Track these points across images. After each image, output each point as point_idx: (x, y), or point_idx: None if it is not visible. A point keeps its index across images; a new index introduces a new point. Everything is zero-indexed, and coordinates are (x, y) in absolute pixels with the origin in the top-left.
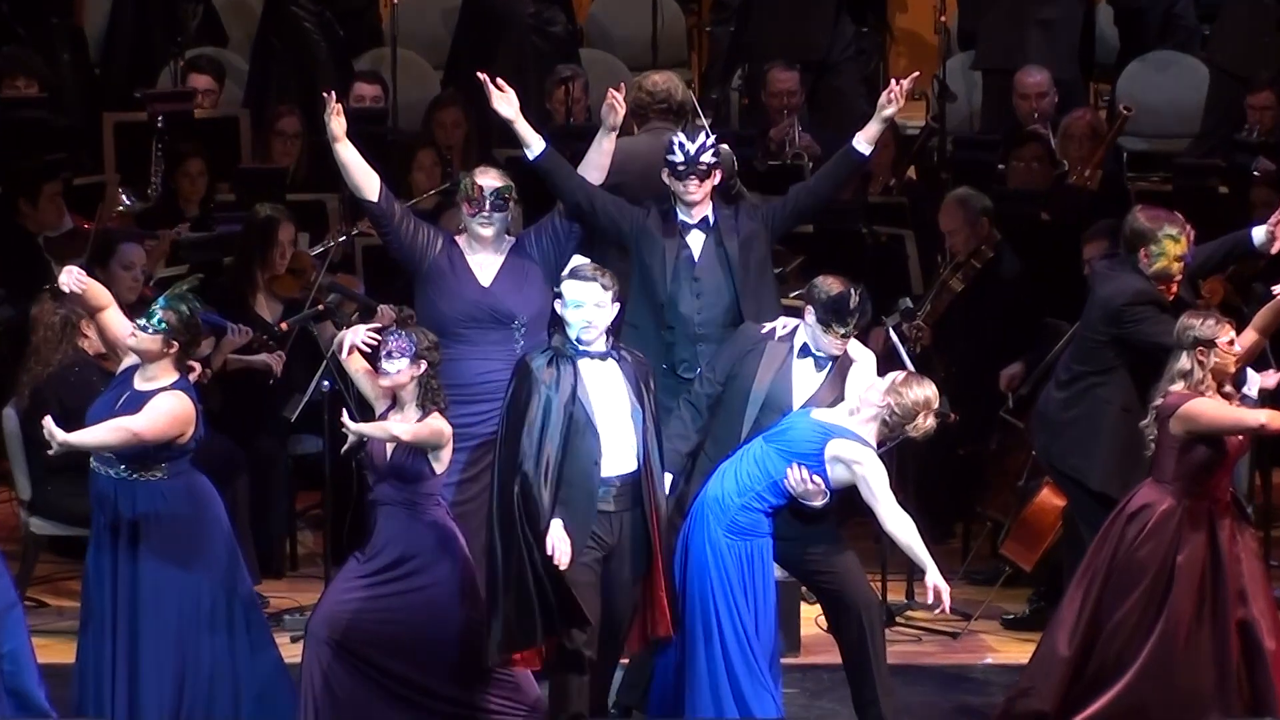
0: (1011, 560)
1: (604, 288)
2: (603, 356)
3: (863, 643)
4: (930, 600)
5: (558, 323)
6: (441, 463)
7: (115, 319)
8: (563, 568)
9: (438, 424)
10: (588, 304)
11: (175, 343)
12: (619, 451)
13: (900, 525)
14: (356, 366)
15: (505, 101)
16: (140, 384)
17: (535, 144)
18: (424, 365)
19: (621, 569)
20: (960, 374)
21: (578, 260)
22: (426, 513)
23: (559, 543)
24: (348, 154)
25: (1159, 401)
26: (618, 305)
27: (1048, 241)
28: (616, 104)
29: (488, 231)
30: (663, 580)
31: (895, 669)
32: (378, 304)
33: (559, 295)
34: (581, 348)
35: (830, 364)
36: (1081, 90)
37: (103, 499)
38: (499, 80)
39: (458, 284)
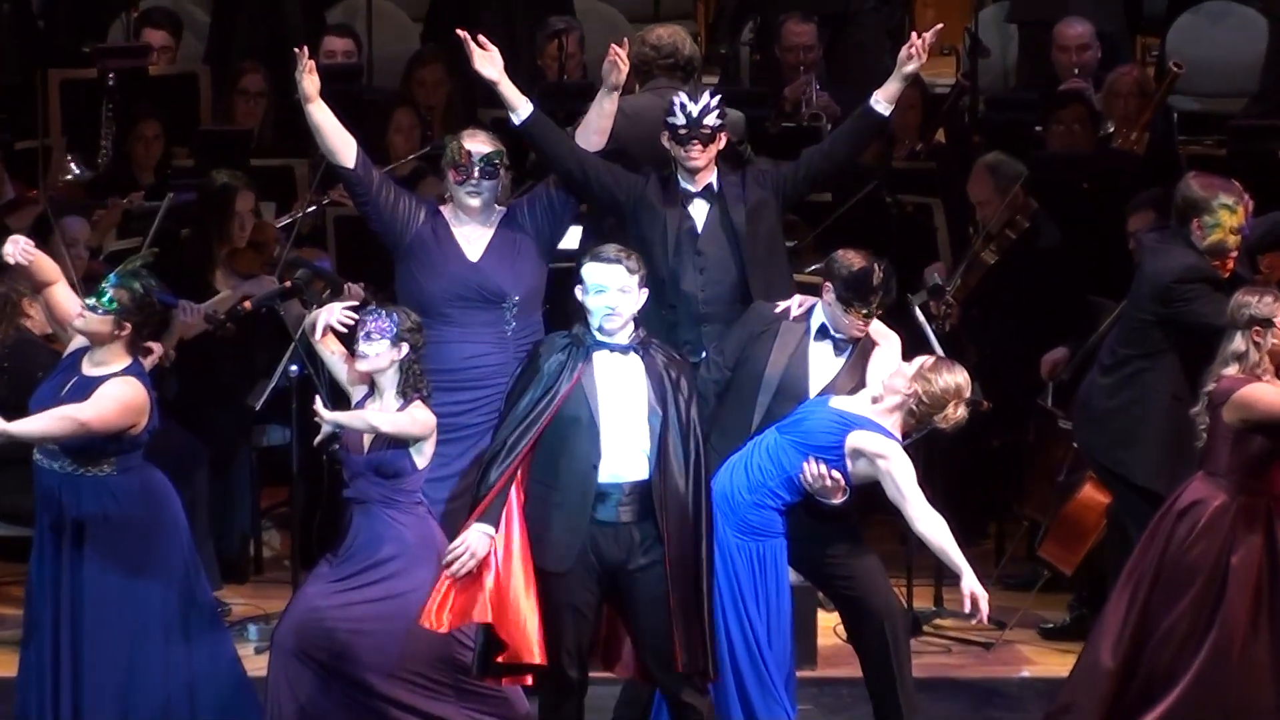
0: (1050, 563)
1: (629, 271)
2: (625, 350)
3: (885, 655)
4: (967, 608)
5: (581, 311)
6: (424, 457)
7: (64, 295)
8: (454, 576)
9: (420, 414)
10: (611, 289)
11: (127, 324)
12: (628, 456)
13: (932, 526)
14: (332, 349)
15: (488, 61)
16: (89, 369)
17: (522, 107)
18: (405, 348)
19: (646, 585)
20: (993, 357)
21: (574, 232)
22: (406, 512)
23: (465, 548)
24: (321, 116)
25: (1211, 387)
26: (645, 291)
27: (1090, 211)
28: (620, 60)
29: (476, 201)
30: (674, 612)
31: (922, 683)
32: (344, 282)
33: (580, 281)
34: (601, 339)
35: (851, 347)
36: (1128, 45)
37: (47, 497)
38: (480, 37)
39: (443, 259)
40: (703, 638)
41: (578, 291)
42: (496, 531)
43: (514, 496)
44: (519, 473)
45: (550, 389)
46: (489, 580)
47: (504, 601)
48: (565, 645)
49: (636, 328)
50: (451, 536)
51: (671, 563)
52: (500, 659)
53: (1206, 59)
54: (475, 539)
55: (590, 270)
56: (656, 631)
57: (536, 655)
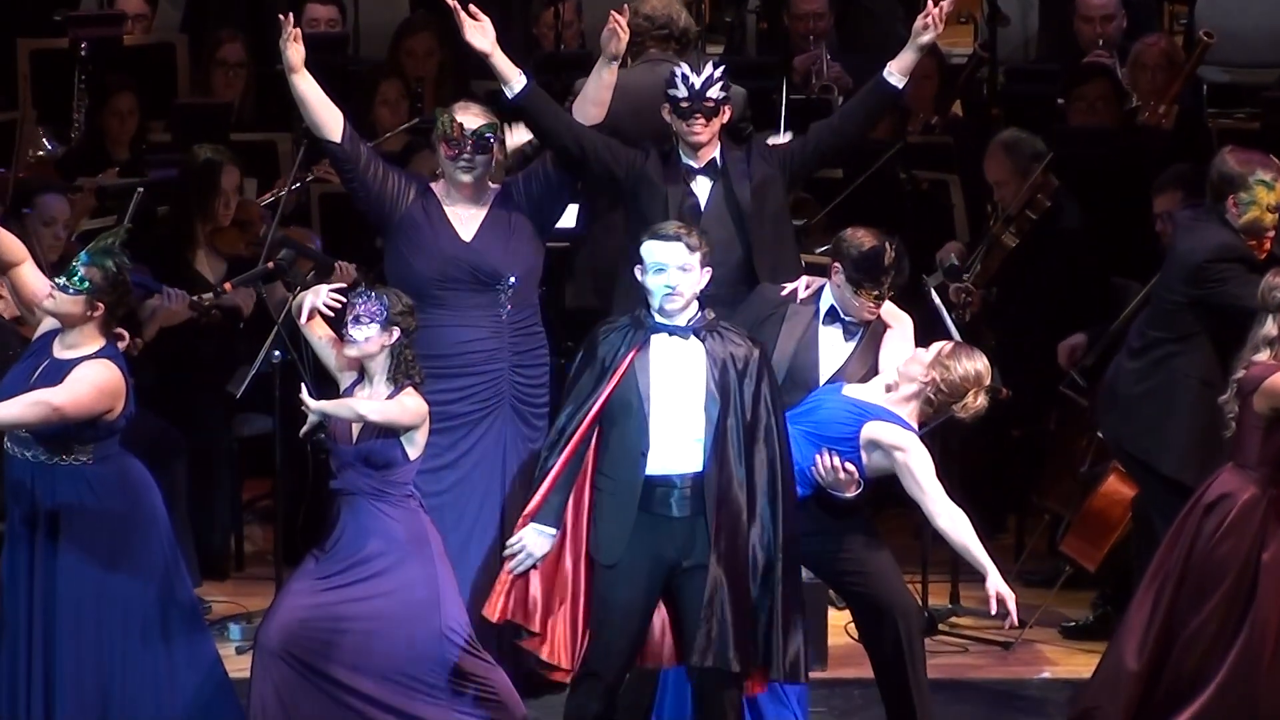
0: (1073, 559)
1: (690, 248)
2: (684, 333)
3: (899, 655)
4: (994, 610)
5: (641, 292)
6: (416, 447)
7: (31, 276)
8: (512, 573)
9: (412, 402)
10: (671, 267)
11: (100, 304)
12: (682, 447)
13: (954, 522)
14: (319, 333)
15: (479, 31)
16: (60, 352)
17: (515, 80)
18: (396, 332)
19: (695, 585)
20: (1013, 343)
21: (572, 210)
22: (397, 505)
23: (521, 547)
24: (307, 87)
25: (1241, 374)
26: (708, 270)
27: (1115, 189)
28: (619, 29)
29: (468, 178)
30: (713, 607)
31: (938, 684)
32: (335, 261)
33: (639, 260)
34: (660, 320)
35: (861, 331)
36: (1154, 13)
37: (18, 487)
38: (471, 6)
39: (434, 238)
40: (752, 638)
41: (637, 271)
42: (558, 527)
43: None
44: (588, 463)
45: (604, 374)
46: (537, 579)
47: (552, 598)
48: (603, 641)
49: (702, 309)
50: (443, 530)
51: (720, 560)
52: (539, 651)
53: (1237, 28)
54: (531, 538)
55: (649, 248)
56: (695, 627)
57: (568, 659)
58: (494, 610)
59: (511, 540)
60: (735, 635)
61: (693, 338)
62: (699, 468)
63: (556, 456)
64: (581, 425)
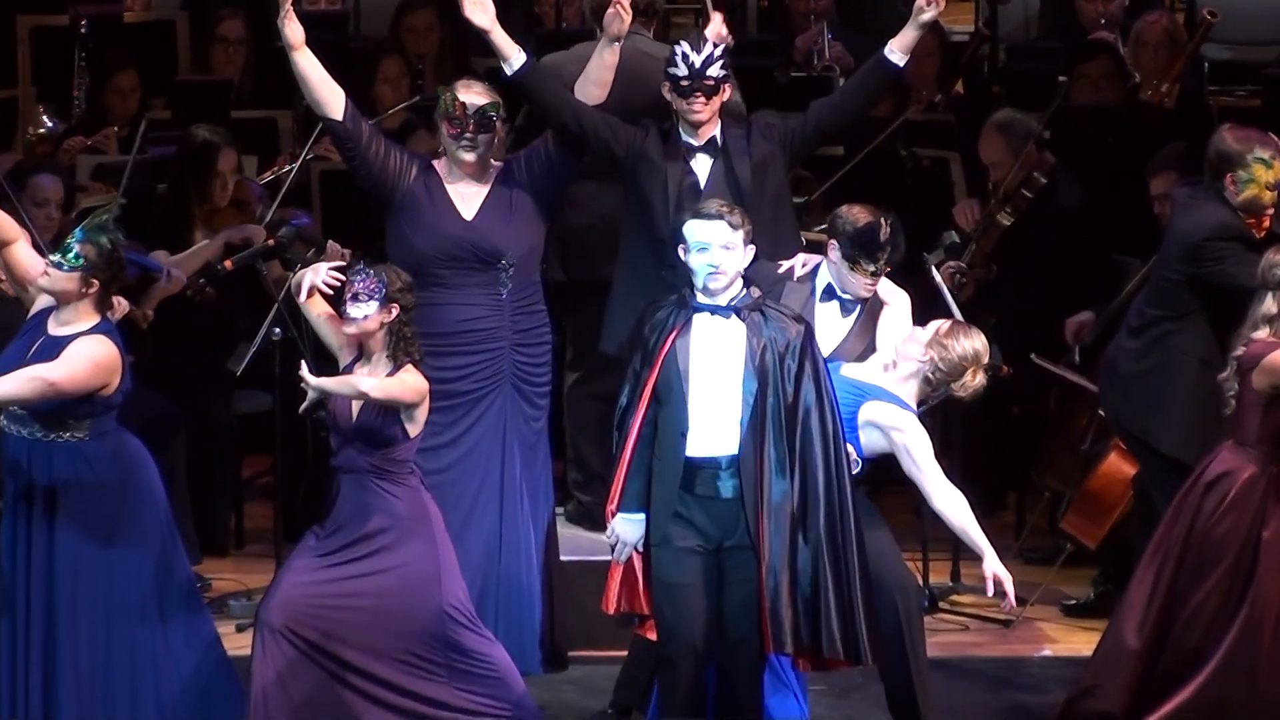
0: (1073, 536)
1: (732, 226)
2: (726, 312)
3: (898, 634)
4: (990, 592)
5: (685, 271)
6: (416, 424)
7: (25, 254)
8: (618, 562)
9: (412, 379)
10: (714, 246)
11: (95, 280)
12: (724, 428)
13: (951, 502)
14: (318, 311)
15: (479, 7)
16: (55, 329)
17: (515, 57)
18: (396, 310)
19: (736, 566)
20: (1013, 321)
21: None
22: (398, 483)
23: (615, 538)
24: (308, 65)
25: (1240, 351)
26: (752, 249)
27: (1116, 167)
28: (622, 8)
29: (470, 156)
30: (765, 597)
31: (938, 663)
32: (331, 241)
33: (682, 239)
34: (703, 300)
35: (858, 308)
36: None
37: (15, 465)
38: None
39: (435, 217)
40: (794, 621)
41: (680, 251)
42: (644, 511)
43: None
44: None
45: (649, 356)
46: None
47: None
48: (665, 625)
49: (746, 287)
50: (443, 508)
51: (765, 543)
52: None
53: (1239, 5)
54: (621, 527)
55: (692, 228)
56: (731, 611)
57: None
58: (610, 604)
59: (606, 534)
60: (789, 617)
61: (734, 317)
62: (731, 450)
63: (623, 443)
64: (640, 409)
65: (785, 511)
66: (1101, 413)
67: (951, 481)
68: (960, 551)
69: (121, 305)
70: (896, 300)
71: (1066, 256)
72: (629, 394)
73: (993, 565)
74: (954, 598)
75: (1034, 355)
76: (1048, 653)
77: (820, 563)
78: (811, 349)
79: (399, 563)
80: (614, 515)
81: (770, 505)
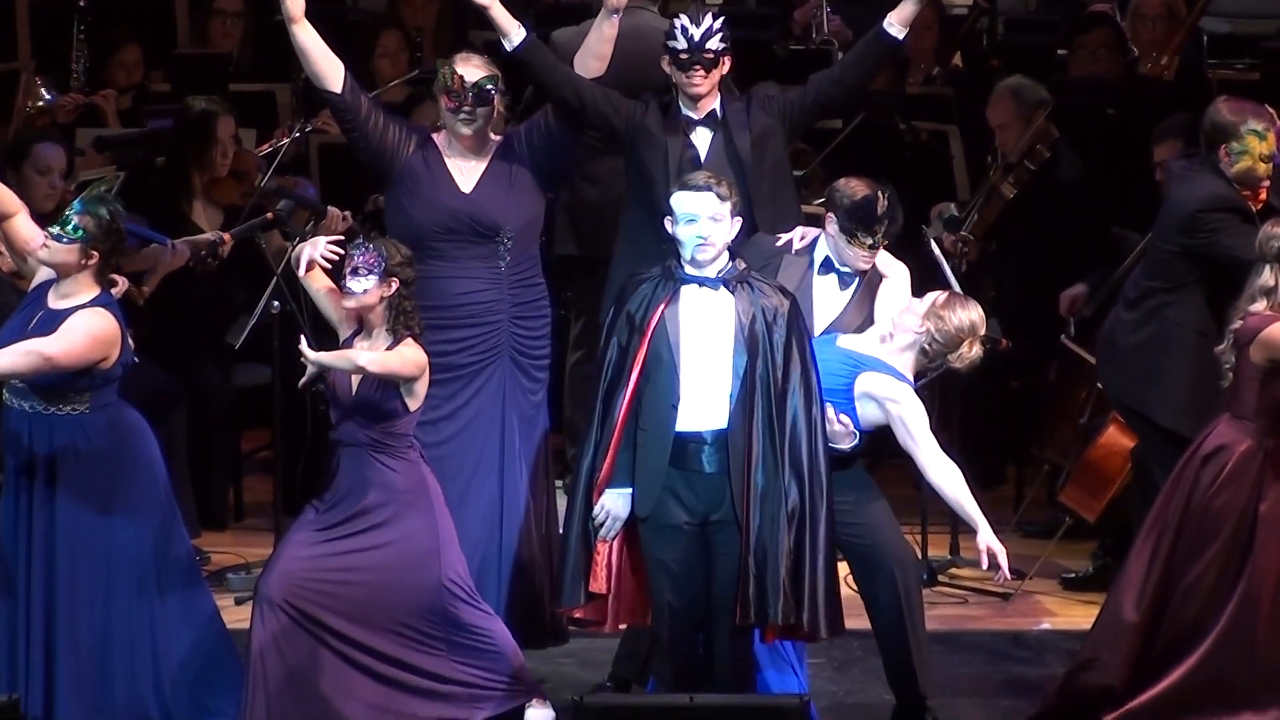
0: (1072, 510)
1: (720, 198)
2: (715, 284)
3: (896, 607)
4: (984, 565)
5: (672, 243)
6: (415, 398)
7: (24, 226)
8: (605, 540)
9: (411, 352)
10: (702, 218)
11: (95, 252)
12: (711, 402)
13: (945, 475)
14: (318, 285)
15: None
16: (55, 302)
17: (514, 33)
18: (395, 284)
19: (723, 540)
20: (1012, 294)
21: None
22: (397, 457)
23: (605, 513)
24: (307, 38)
25: (1237, 324)
26: (739, 220)
27: (1115, 140)
28: None
29: (469, 130)
30: (749, 571)
31: (937, 636)
32: (329, 207)
33: (669, 211)
34: (691, 271)
35: (856, 280)
36: None
37: (15, 439)
38: None
39: (435, 189)
40: (776, 594)
41: (667, 223)
42: (633, 485)
43: None
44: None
45: (637, 328)
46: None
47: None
48: (657, 602)
49: (732, 260)
50: (442, 481)
51: (751, 517)
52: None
53: None
54: (611, 502)
55: (680, 199)
56: (719, 584)
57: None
58: (600, 584)
59: (595, 511)
60: (772, 591)
61: (723, 289)
62: (720, 424)
63: (614, 419)
64: (631, 382)
65: (771, 487)
66: (1100, 385)
67: (950, 455)
68: (959, 525)
69: (120, 284)
70: (896, 273)
71: (1066, 230)
72: (615, 367)
73: (987, 538)
74: (953, 571)
75: (1064, 337)
76: (1046, 626)
77: (804, 537)
78: (798, 323)
79: (398, 537)
80: (602, 491)
81: (756, 481)
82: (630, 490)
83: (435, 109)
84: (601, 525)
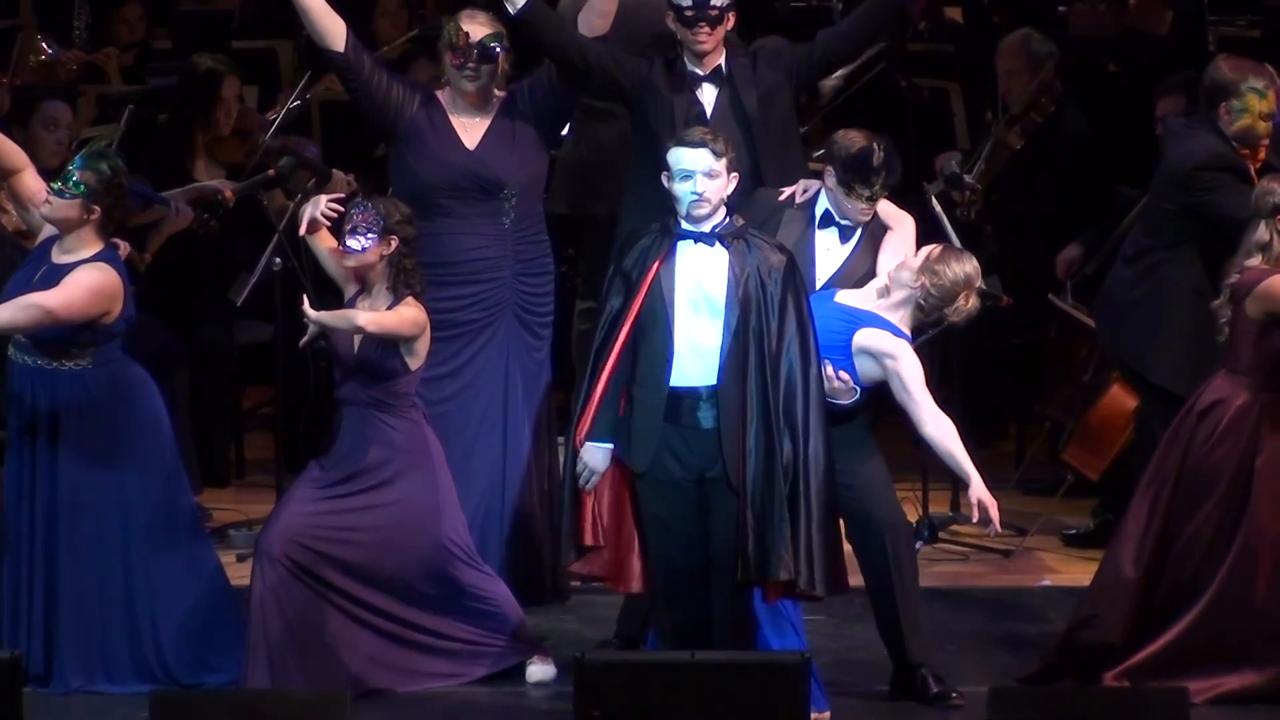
0: (1074, 467)
1: (716, 154)
2: (710, 240)
3: (884, 569)
4: (975, 518)
5: (668, 199)
6: (416, 357)
7: (30, 181)
8: (587, 492)
9: (410, 312)
10: (698, 173)
11: (96, 208)
12: (704, 357)
13: (940, 429)
14: (321, 244)
15: None
16: (58, 257)
17: None
18: (395, 242)
19: (719, 495)
20: (1015, 251)
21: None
22: (399, 416)
23: (584, 466)
24: None
25: (1233, 279)
26: (736, 176)
27: (1117, 96)
28: None
29: (473, 87)
30: (748, 525)
31: (938, 592)
32: (332, 170)
33: (666, 166)
34: (686, 227)
35: (858, 233)
36: None
37: (18, 395)
38: None
39: (439, 147)
40: (775, 551)
41: (664, 178)
42: (613, 441)
43: None
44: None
45: (632, 283)
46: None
47: (618, 513)
48: (655, 558)
49: (728, 215)
50: (444, 438)
51: (746, 474)
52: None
53: None
54: (590, 455)
55: (676, 155)
56: (716, 541)
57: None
58: (587, 536)
59: (577, 465)
60: (771, 548)
61: (718, 245)
62: (711, 380)
63: (599, 373)
64: (619, 338)
65: (764, 444)
66: (1100, 342)
67: (952, 412)
68: (960, 482)
69: (123, 248)
70: (901, 225)
71: (1069, 186)
72: (609, 323)
73: (979, 491)
74: (954, 527)
75: (1052, 296)
76: (1047, 582)
77: (798, 495)
78: (795, 280)
79: (399, 496)
80: (583, 443)
81: (750, 436)
82: (610, 445)
83: (430, 67)
84: (579, 478)
